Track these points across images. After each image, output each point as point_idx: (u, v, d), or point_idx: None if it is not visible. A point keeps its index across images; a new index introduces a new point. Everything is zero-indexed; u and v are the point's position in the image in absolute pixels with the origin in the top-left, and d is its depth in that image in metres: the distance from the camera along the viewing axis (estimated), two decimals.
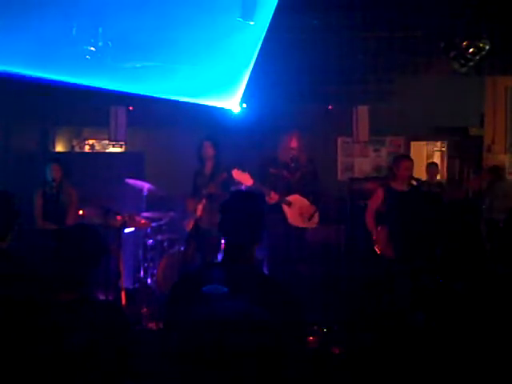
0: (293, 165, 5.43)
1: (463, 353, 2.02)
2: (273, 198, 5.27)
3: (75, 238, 2.28)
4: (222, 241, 6.31)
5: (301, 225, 5.43)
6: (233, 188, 6.94)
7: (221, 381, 1.26)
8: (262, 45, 5.23)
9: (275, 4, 4.46)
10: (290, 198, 5.39)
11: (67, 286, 2.19)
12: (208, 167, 5.88)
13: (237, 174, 5.25)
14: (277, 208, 5.31)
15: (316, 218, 5.53)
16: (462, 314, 2.06)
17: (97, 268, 2.29)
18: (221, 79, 5.62)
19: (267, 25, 4.66)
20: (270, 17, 4.57)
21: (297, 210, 5.41)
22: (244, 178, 5.26)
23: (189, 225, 5.95)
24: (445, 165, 9.04)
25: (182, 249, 6.15)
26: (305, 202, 5.45)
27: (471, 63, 4.93)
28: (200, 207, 5.78)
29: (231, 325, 1.31)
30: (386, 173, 7.37)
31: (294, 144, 5.44)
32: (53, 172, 5.73)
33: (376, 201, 5.55)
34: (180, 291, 2.22)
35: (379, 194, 5.55)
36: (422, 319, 2.05)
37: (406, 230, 4.57)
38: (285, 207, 5.35)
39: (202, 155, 5.87)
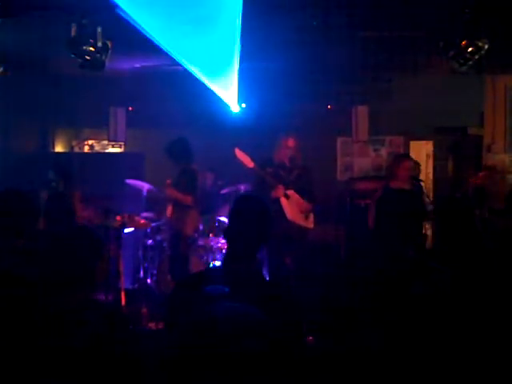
0: (289, 165, 5.41)
1: (462, 352, 2.02)
2: (279, 191, 5.23)
3: (71, 240, 2.28)
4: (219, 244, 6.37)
5: (299, 221, 5.40)
6: (225, 190, 6.95)
7: (220, 382, 1.26)
8: (261, 45, 5.22)
9: None
10: (288, 192, 5.37)
11: (68, 286, 2.18)
12: None
13: (239, 153, 5.21)
14: (275, 203, 5.24)
15: (311, 218, 5.52)
16: (459, 314, 2.06)
17: (93, 270, 2.28)
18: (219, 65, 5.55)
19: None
20: None
21: (294, 204, 5.37)
22: (245, 159, 5.21)
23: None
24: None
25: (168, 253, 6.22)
26: (301, 199, 5.45)
27: (470, 62, 4.92)
28: (169, 210, 5.88)
29: (229, 326, 1.31)
30: (386, 173, 7.37)
31: (291, 145, 5.41)
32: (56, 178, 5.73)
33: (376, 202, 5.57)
34: (181, 292, 2.22)
35: (379, 195, 5.57)
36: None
37: (403, 227, 4.61)
38: (283, 201, 5.29)
39: None
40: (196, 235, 6.17)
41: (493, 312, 2.09)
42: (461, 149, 8.08)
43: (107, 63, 4.97)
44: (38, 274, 2.39)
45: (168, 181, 5.73)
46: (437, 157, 8.64)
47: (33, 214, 2.94)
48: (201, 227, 6.36)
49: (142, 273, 6.45)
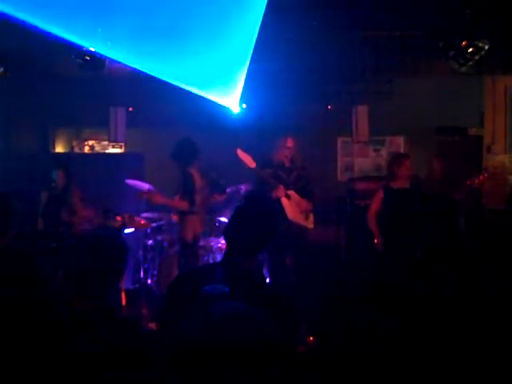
0: (288, 165, 5.40)
1: (456, 351, 2.03)
2: (280, 191, 5.22)
3: (97, 242, 2.26)
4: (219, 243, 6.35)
5: (299, 221, 5.38)
6: (229, 189, 6.92)
7: (218, 382, 1.26)
8: (261, 45, 5.23)
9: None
10: (288, 192, 5.37)
11: (85, 295, 2.18)
12: None
13: (241, 154, 5.18)
14: (276, 203, 5.21)
15: (312, 218, 5.51)
16: (453, 313, 2.06)
17: (118, 281, 2.28)
18: (219, 71, 5.61)
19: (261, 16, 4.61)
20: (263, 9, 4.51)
21: (295, 204, 5.35)
22: (247, 159, 5.18)
23: None
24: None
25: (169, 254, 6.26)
26: (301, 199, 5.44)
27: (470, 63, 4.92)
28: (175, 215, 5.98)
29: (228, 325, 1.31)
30: (386, 173, 7.38)
31: (289, 145, 5.40)
32: (58, 177, 5.69)
33: (377, 201, 5.58)
34: (177, 291, 2.21)
35: (380, 195, 5.59)
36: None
37: (404, 226, 4.62)
38: (284, 201, 5.27)
39: None
40: (194, 241, 6.03)
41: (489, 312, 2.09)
42: (460, 149, 8.07)
43: (107, 63, 4.98)
44: (62, 275, 2.37)
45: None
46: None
47: (11, 214, 2.89)
48: None
49: (142, 273, 6.45)
